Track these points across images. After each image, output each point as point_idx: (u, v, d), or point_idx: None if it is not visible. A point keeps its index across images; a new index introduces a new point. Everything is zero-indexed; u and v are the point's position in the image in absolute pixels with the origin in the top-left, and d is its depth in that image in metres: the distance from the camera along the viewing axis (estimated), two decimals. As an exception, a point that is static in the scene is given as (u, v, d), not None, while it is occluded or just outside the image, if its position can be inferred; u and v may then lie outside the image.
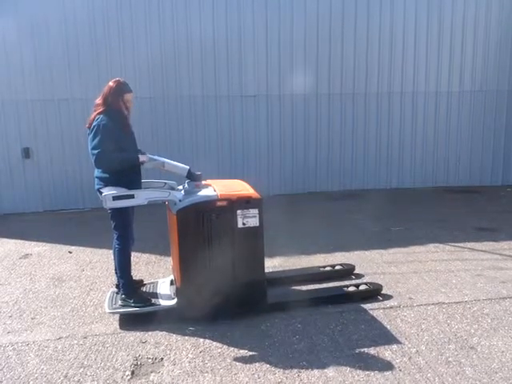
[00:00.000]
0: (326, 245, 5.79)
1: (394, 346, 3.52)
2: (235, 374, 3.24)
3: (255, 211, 3.90)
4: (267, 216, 4.08)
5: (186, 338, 3.72)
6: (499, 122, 9.20)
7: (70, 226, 7.14)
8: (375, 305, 4.20)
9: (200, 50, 8.17)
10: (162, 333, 3.80)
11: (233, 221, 3.87)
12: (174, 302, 4.00)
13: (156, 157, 4.20)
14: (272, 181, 8.65)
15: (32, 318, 4.12)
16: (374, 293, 4.42)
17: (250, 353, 3.49)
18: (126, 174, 3.97)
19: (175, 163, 4.19)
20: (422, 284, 4.63)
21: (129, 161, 3.98)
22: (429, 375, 3.16)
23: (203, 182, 4.19)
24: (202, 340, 3.68)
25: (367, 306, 4.17)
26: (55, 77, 7.85)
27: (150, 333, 3.80)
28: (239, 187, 4.21)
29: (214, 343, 3.63)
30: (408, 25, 8.70)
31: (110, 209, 3.97)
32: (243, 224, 3.90)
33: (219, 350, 3.53)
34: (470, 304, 4.18)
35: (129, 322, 3.97)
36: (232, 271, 3.94)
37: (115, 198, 3.82)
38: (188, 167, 4.13)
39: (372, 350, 3.47)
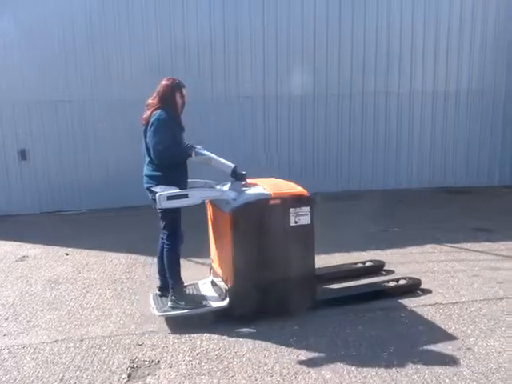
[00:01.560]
0: (324, 245, 5.76)
1: (391, 347, 3.52)
2: (232, 376, 3.22)
3: (307, 209, 3.93)
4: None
5: (183, 340, 3.71)
6: (495, 122, 9.21)
7: (67, 227, 7.11)
8: (373, 305, 4.19)
9: (197, 50, 8.16)
10: (158, 335, 3.79)
11: (285, 219, 3.88)
12: (225, 302, 3.94)
13: (203, 151, 4.13)
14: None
15: (28, 321, 4.10)
16: (414, 287, 4.49)
17: (248, 355, 3.48)
18: (177, 172, 3.97)
19: (222, 160, 4.10)
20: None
21: (185, 155, 4.00)
22: (426, 376, 3.16)
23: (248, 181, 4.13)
24: (198, 342, 3.67)
25: (366, 307, 4.16)
26: (52, 78, 7.82)
27: (146, 335, 3.79)
28: (287, 186, 4.19)
29: (211, 345, 3.62)
30: (405, 24, 8.69)
31: (160, 208, 3.91)
32: (295, 222, 3.91)
33: (216, 353, 3.52)
34: (467, 304, 4.18)
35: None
36: (284, 269, 3.93)
37: (169, 197, 3.77)
38: (234, 165, 4.04)
39: (369, 352, 3.46)
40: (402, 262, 5.22)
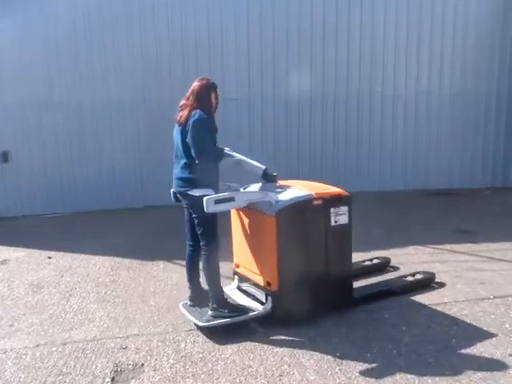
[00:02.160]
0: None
1: (375, 348, 3.54)
2: (216, 378, 3.22)
3: (345, 208, 3.97)
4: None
5: (167, 343, 3.70)
6: (478, 124, 9.34)
7: (50, 230, 7.04)
8: (358, 308, 4.22)
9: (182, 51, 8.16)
10: (142, 338, 3.77)
11: (326, 219, 3.90)
12: (268, 306, 3.85)
13: (233, 153, 4.06)
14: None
15: (10, 325, 4.05)
16: (430, 281, 4.64)
17: (232, 358, 3.47)
18: (213, 175, 3.87)
19: (252, 162, 4.03)
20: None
21: (222, 157, 3.97)
22: (409, 376, 3.18)
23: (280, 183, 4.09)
24: (183, 345, 3.66)
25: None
26: (36, 80, 7.75)
27: (130, 339, 3.77)
28: (321, 186, 4.20)
29: (196, 348, 3.61)
30: (388, 27, 8.80)
31: (195, 214, 3.81)
32: (335, 222, 3.93)
33: (201, 355, 3.51)
34: (450, 305, 4.23)
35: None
36: (325, 270, 3.95)
37: (217, 201, 3.61)
38: (265, 167, 4.00)
39: (353, 352, 3.49)
40: (385, 264, 5.26)
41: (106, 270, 5.30)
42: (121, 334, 3.84)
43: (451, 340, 3.64)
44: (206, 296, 4.01)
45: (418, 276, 4.68)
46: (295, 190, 3.96)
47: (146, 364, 3.41)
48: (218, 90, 3.97)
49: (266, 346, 3.60)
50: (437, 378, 3.16)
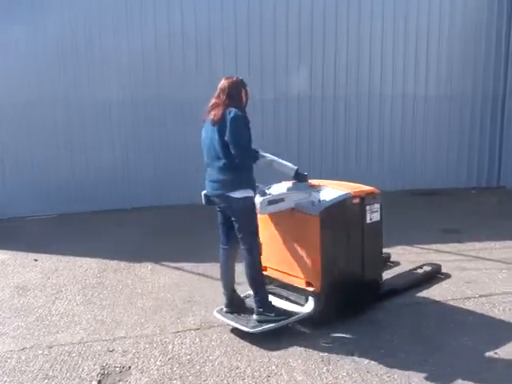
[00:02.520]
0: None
1: (363, 348, 3.56)
2: (204, 380, 3.21)
3: (378, 206, 4.08)
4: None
5: (154, 345, 3.68)
6: (463, 125, 9.41)
7: (36, 232, 6.97)
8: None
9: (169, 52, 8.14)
10: (129, 340, 3.75)
11: (363, 217, 3.97)
12: (310, 307, 3.81)
13: (265, 154, 3.99)
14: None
15: (-5, 329, 4.01)
16: (438, 272, 4.88)
17: (220, 359, 3.47)
18: (251, 175, 3.76)
19: (284, 162, 3.99)
20: (390, 286, 4.69)
21: (257, 156, 3.88)
22: (395, 376, 3.21)
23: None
24: (170, 347, 3.65)
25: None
26: (22, 79, 7.66)
27: (117, 341, 3.74)
28: (353, 185, 4.25)
29: (183, 350, 3.60)
30: (375, 29, 8.83)
31: (236, 217, 3.70)
32: (370, 219, 4.02)
33: (188, 357, 3.50)
34: (437, 304, 4.26)
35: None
36: (361, 267, 4.02)
37: (270, 202, 3.61)
38: (296, 167, 3.97)
39: (341, 352, 3.50)
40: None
41: (92, 272, 5.26)
42: (108, 337, 3.82)
43: (439, 339, 3.67)
44: (241, 301, 3.99)
45: (427, 268, 4.86)
46: (330, 189, 3.97)
47: (133, 367, 3.39)
48: (248, 87, 3.88)
49: (253, 347, 3.60)
50: (423, 376, 3.18)
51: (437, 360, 3.38)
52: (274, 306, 3.83)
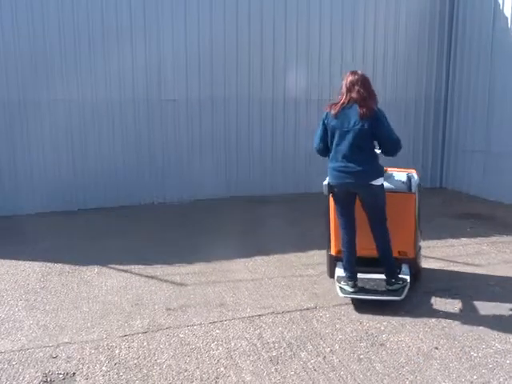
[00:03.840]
0: (245, 249, 5.82)
1: (310, 347, 3.62)
2: (151, 384, 3.18)
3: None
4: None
5: (100, 350, 3.59)
6: (408, 129, 9.68)
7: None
8: (292, 307, 4.29)
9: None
10: (74, 346, 3.64)
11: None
12: (408, 273, 4.41)
13: None
14: (193, 185, 8.57)
15: None
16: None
17: (168, 362, 3.43)
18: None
19: None
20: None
21: None
22: (342, 373, 3.28)
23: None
24: (117, 351, 3.57)
25: (285, 309, 4.25)
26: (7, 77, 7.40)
27: (61, 347, 3.63)
28: (400, 169, 4.74)
29: (131, 354, 3.54)
30: (323, 36, 8.97)
31: (377, 199, 4.18)
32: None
33: (135, 361, 3.44)
34: (381, 302, 4.37)
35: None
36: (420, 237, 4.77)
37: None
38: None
39: (288, 352, 3.54)
40: (319, 264, 5.37)
41: (36, 276, 5.07)
42: (51, 343, 3.70)
43: (382, 336, 3.78)
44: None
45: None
46: (401, 173, 4.55)
47: (77, 373, 3.30)
48: None
49: (202, 349, 3.59)
50: (368, 373, 3.27)
51: (380, 356, 3.47)
52: (398, 276, 4.33)
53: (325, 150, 4.30)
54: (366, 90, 4.08)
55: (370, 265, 4.40)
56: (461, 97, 9.42)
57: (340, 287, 4.32)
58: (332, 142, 4.18)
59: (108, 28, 7.80)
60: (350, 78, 4.14)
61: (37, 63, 7.54)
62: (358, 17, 9.12)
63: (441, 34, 9.59)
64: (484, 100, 8.81)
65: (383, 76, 9.44)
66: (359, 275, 4.34)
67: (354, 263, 4.31)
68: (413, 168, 4.84)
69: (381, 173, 4.19)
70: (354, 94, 4.06)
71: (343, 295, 4.27)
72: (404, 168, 4.73)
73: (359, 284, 4.31)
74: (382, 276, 4.31)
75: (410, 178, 4.43)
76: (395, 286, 4.23)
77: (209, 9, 8.26)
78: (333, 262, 4.63)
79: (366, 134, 4.01)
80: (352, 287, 4.26)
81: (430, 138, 9.91)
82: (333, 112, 4.12)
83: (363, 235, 4.28)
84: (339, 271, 4.47)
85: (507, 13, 8.27)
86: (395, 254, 4.31)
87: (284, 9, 8.66)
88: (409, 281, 4.32)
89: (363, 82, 4.10)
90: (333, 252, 4.63)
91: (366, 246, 4.30)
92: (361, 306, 4.26)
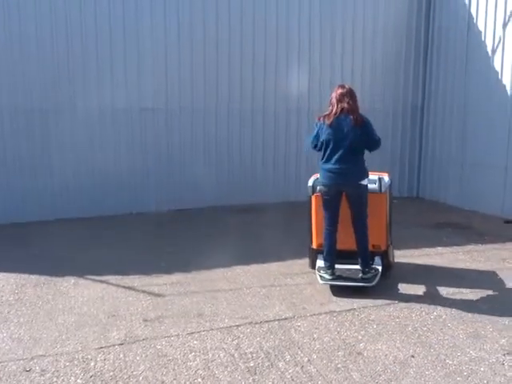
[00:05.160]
0: (224, 258, 5.81)
1: (287, 357, 3.62)
2: (127, 397, 3.13)
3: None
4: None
5: (76, 362, 3.54)
6: (385, 137, 9.78)
7: None
8: (270, 316, 4.29)
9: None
10: (48, 359, 3.58)
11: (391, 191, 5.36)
12: (379, 263, 4.91)
13: None
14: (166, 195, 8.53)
15: None
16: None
17: (145, 374, 3.40)
18: None
19: None
20: (315, 293, 4.81)
21: None
22: (319, 383, 3.28)
23: None
24: (92, 364, 3.52)
25: (263, 318, 4.24)
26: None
27: (35, 360, 3.56)
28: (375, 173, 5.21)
29: (106, 366, 3.49)
30: (302, 44, 9.09)
31: (362, 197, 4.72)
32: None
33: (111, 374, 3.39)
34: (359, 311, 4.41)
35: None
36: (390, 231, 5.29)
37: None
38: None
39: (266, 362, 3.54)
40: (300, 273, 5.39)
41: (10, 288, 4.97)
42: (25, 356, 3.62)
43: (359, 344, 3.80)
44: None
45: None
46: (371, 175, 4.88)
47: (51, 386, 3.24)
48: None
49: (179, 360, 3.56)
50: (345, 382, 3.28)
51: (357, 365, 3.49)
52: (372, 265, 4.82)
53: (318, 147, 4.82)
54: (355, 101, 4.72)
55: (346, 257, 4.89)
56: (437, 107, 9.62)
57: (320, 275, 4.82)
58: (325, 147, 4.70)
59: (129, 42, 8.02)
60: (340, 90, 4.74)
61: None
62: (335, 27, 9.25)
63: (417, 46, 9.77)
64: (459, 110, 9.01)
65: (361, 87, 9.42)
66: (337, 266, 4.83)
67: (334, 255, 4.82)
68: (385, 172, 5.37)
69: (367, 174, 4.77)
70: (344, 105, 4.64)
71: (323, 282, 4.79)
72: (377, 171, 5.18)
73: (337, 273, 4.81)
74: (357, 266, 4.83)
75: (380, 180, 4.93)
76: (368, 275, 4.75)
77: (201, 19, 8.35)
78: (314, 255, 5.08)
79: (358, 139, 4.62)
80: (330, 275, 4.78)
81: (407, 148, 10.06)
82: (327, 122, 4.67)
83: (343, 232, 4.78)
84: (320, 262, 4.93)
85: (480, 26, 8.49)
86: (370, 248, 4.82)
87: (264, 20, 8.76)
88: (380, 270, 4.84)
89: (351, 94, 4.72)
90: (314, 245, 5.10)
91: (345, 240, 4.80)
92: (339, 315, 4.30)
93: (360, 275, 4.79)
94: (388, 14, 9.56)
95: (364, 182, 4.72)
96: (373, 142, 4.75)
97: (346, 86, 4.79)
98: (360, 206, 4.76)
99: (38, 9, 7.44)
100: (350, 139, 4.60)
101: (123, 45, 7.99)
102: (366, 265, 4.79)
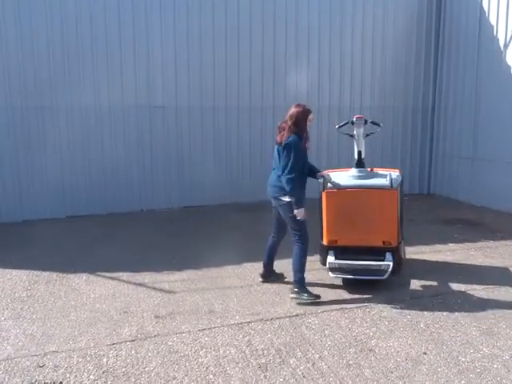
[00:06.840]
0: (234, 255, 5.81)
1: (299, 353, 3.61)
2: (139, 392, 3.15)
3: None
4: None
5: (88, 358, 3.56)
6: (396, 135, 9.79)
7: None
8: (281, 313, 4.29)
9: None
10: (61, 355, 3.61)
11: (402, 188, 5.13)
12: (390, 259, 4.78)
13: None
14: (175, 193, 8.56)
15: None
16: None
17: (156, 370, 3.41)
18: (297, 186, 4.49)
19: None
20: (326, 290, 4.79)
21: (306, 172, 4.69)
22: (331, 379, 3.28)
23: None
24: (105, 360, 3.54)
25: (274, 315, 4.24)
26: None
27: (48, 356, 3.59)
28: (384, 169, 5.26)
29: (118, 362, 3.51)
30: (312, 43, 9.06)
31: (285, 215, 4.59)
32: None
33: (124, 370, 3.42)
34: (370, 308, 4.40)
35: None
36: (402, 227, 5.14)
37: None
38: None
39: (277, 359, 3.53)
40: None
41: (23, 285, 5.02)
42: (38, 352, 3.65)
43: (370, 341, 3.79)
44: (276, 276, 5.03)
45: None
46: (385, 172, 5.01)
47: (64, 382, 3.26)
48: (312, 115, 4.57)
49: (191, 357, 3.57)
50: (357, 379, 3.28)
51: (369, 362, 3.48)
52: (307, 289, 4.57)
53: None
54: (294, 122, 4.47)
55: (360, 253, 4.88)
56: (448, 104, 9.55)
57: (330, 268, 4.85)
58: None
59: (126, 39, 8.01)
60: (291, 110, 4.54)
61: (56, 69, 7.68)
62: (345, 27, 9.23)
63: (428, 43, 9.72)
64: (470, 107, 8.93)
65: (371, 85, 9.54)
66: (350, 261, 4.84)
67: (269, 265, 4.98)
68: (397, 168, 5.29)
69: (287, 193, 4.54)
70: (283, 124, 4.58)
71: (334, 275, 4.83)
72: (389, 168, 5.22)
73: (350, 268, 4.82)
74: (370, 262, 4.81)
75: (392, 176, 4.91)
76: (296, 296, 4.55)
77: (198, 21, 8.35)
78: (325, 251, 4.98)
79: (279, 159, 4.55)
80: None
81: (418, 145, 10.01)
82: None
83: (357, 229, 4.84)
84: (331, 258, 4.88)
85: (492, 21, 8.40)
86: (380, 244, 4.83)
87: (273, 17, 8.75)
88: (391, 266, 4.74)
89: (297, 115, 4.48)
90: (325, 242, 4.99)
91: (359, 237, 4.85)
92: (350, 311, 4.29)
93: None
94: (398, 10, 9.50)
95: (285, 198, 4.49)
96: (281, 167, 4.47)
97: (298, 107, 4.51)
98: (286, 221, 4.63)
99: (47, 7, 7.50)
100: (275, 156, 4.65)
101: (132, 43, 8.03)
102: (296, 284, 4.59)
